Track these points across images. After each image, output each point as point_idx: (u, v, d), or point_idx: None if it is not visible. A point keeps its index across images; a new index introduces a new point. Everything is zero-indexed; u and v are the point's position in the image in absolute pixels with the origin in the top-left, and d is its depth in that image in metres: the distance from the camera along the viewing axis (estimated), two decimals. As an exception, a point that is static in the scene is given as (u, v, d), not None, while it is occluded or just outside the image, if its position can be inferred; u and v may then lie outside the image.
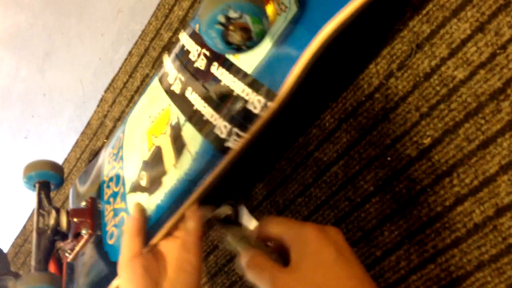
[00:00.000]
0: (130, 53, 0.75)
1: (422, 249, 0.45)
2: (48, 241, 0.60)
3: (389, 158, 0.46)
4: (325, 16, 0.38)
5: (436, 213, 0.44)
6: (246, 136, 0.43)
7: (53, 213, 0.61)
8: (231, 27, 0.35)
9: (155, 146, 0.54)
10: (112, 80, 0.79)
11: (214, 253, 0.61)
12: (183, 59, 0.55)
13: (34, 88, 1.07)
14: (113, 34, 0.81)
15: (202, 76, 0.50)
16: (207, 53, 0.50)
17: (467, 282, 0.42)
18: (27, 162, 0.67)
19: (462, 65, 0.42)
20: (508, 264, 0.40)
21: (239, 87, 0.44)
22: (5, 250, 1.08)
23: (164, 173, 0.51)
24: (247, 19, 0.35)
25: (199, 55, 0.51)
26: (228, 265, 0.60)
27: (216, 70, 0.48)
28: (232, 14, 0.34)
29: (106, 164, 0.66)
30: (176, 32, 0.69)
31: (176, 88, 0.53)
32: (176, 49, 0.58)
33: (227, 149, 0.44)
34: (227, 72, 0.47)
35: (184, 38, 0.56)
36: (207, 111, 0.47)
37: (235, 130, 0.44)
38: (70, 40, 0.94)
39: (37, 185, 0.65)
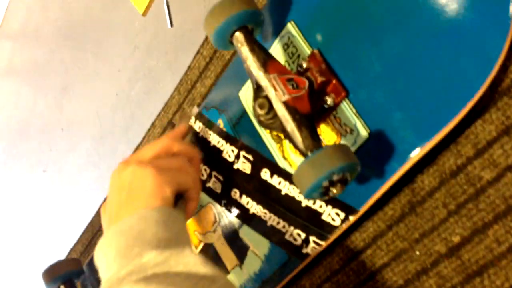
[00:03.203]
0: (153, 125, 0.77)
1: None
2: None
3: (417, 252, 0.47)
4: (411, 148, 0.39)
5: (467, 313, 0.44)
6: (325, 244, 0.45)
7: None
8: (332, 187, 0.36)
9: (203, 243, 0.57)
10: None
11: None
12: (211, 155, 0.55)
13: (52, 121, 1.08)
14: (129, 70, 0.82)
15: (249, 180, 0.51)
16: (250, 157, 0.51)
17: None
18: (46, 267, 0.64)
19: (489, 166, 0.43)
20: None
21: (309, 200, 0.46)
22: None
23: (226, 272, 0.54)
24: (347, 175, 0.35)
25: (237, 156, 0.51)
26: None
27: (270, 177, 0.49)
28: (335, 178, 0.34)
29: None
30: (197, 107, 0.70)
31: (215, 187, 0.53)
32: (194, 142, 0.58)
33: (305, 255, 0.47)
34: (287, 183, 0.47)
35: (205, 131, 0.57)
36: (271, 218, 0.49)
37: (313, 238, 0.46)
38: (87, 75, 0.96)
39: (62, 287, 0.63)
